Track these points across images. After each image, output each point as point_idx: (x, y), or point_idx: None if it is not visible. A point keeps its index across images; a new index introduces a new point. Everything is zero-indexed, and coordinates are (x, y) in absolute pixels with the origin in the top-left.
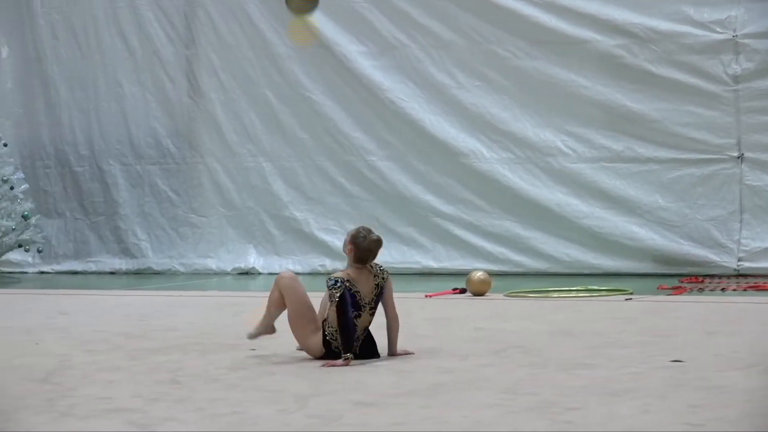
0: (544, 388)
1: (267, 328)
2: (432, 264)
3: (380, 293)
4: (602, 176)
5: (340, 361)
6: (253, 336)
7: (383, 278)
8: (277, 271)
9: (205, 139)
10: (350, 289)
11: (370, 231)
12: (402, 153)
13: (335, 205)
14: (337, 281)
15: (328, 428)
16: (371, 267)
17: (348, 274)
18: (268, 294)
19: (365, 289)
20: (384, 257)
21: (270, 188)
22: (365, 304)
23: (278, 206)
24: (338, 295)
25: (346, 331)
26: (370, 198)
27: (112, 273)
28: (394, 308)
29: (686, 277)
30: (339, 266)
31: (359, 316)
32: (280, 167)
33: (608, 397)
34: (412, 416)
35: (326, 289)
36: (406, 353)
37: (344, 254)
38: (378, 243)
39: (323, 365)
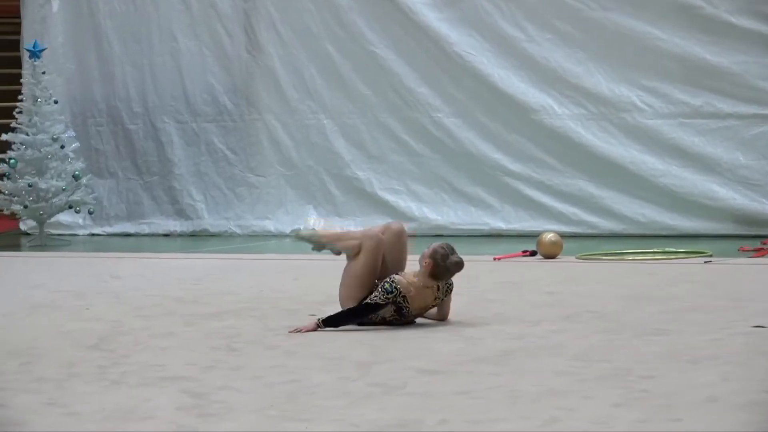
0: (618, 355)
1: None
2: (501, 225)
3: (429, 308)
4: (680, 133)
5: (309, 325)
6: (302, 237)
7: (441, 299)
8: None
9: (263, 96)
10: (399, 303)
11: (453, 250)
12: (469, 109)
13: (399, 163)
14: (393, 291)
15: (391, 397)
16: (440, 285)
17: (410, 290)
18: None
19: (417, 306)
20: (451, 218)
21: (331, 146)
22: (409, 315)
23: (339, 165)
24: (382, 304)
25: (345, 319)
26: (436, 156)
27: (165, 235)
28: (447, 313)
29: None
30: None
31: (399, 320)
32: (342, 124)
33: (686, 365)
34: (479, 384)
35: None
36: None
37: (420, 263)
38: (459, 266)
39: (291, 330)
